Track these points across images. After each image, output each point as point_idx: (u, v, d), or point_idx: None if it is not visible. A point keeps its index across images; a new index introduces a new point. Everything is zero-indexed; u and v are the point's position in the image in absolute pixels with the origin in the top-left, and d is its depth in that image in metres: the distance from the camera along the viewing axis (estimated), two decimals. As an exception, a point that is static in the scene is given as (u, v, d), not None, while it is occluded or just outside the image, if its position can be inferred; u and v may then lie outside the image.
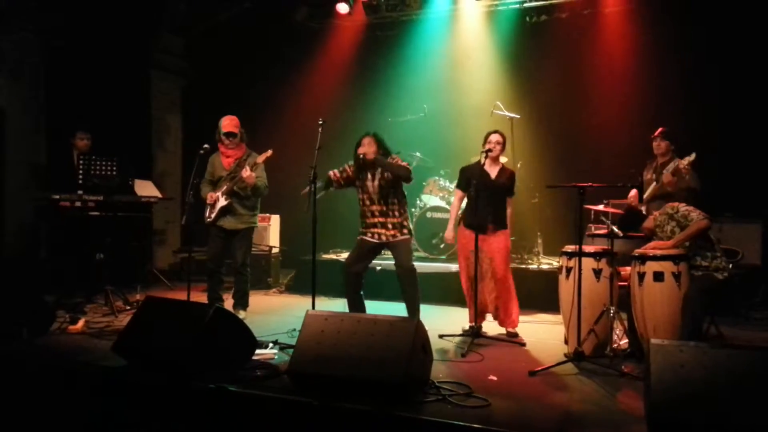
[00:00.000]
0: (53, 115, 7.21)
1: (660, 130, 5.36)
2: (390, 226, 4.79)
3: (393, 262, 4.90)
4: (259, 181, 5.20)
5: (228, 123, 5.26)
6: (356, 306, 4.84)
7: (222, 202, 5.18)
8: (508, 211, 4.98)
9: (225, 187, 5.19)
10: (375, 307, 4.96)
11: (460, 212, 5.24)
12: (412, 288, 4.82)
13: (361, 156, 4.72)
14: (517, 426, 2.92)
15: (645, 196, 5.34)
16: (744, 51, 6.55)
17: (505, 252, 4.85)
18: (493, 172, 4.95)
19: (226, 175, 5.26)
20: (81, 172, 6.13)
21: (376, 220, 4.81)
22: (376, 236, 4.81)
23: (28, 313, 4.64)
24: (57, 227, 6.04)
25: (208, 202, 5.23)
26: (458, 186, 5.14)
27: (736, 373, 2.77)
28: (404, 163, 4.78)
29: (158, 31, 8.58)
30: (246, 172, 5.06)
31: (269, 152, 5.14)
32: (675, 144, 5.27)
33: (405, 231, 4.83)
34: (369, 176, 4.81)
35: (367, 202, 4.84)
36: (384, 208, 4.80)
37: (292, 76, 8.62)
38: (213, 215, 5.21)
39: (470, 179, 4.89)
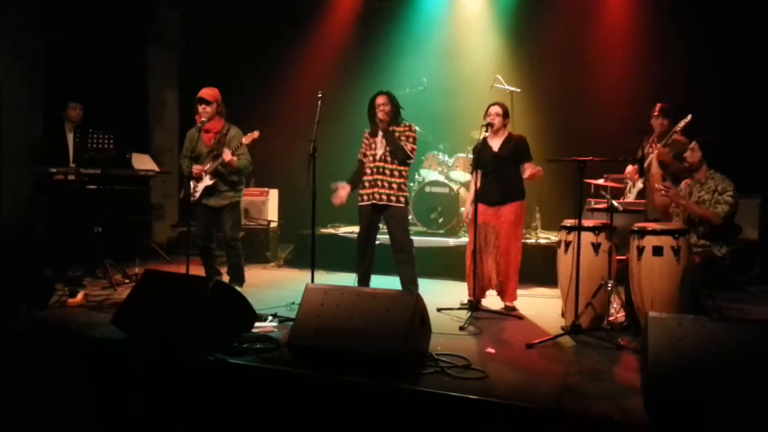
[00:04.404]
0: (49, 90, 7.14)
1: (659, 106, 5.33)
2: (385, 185, 4.79)
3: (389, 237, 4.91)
4: (241, 162, 5.08)
5: (204, 91, 5.11)
6: (364, 280, 4.88)
7: (207, 181, 5.10)
8: (528, 173, 4.79)
9: (209, 166, 5.09)
10: (374, 282, 4.98)
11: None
12: (406, 259, 4.84)
13: (379, 120, 4.78)
14: (514, 397, 2.95)
15: (645, 168, 5.33)
16: (747, 27, 6.47)
17: (511, 224, 4.81)
18: (495, 144, 4.92)
19: (207, 152, 5.15)
20: (74, 145, 6.11)
21: (376, 177, 4.81)
22: (368, 197, 4.81)
23: (26, 286, 4.64)
24: (54, 201, 6.01)
25: (194, 174, 5.10)
26: (474, 166, 5.04)
27: (733, 346, 2.79)
28: (411, 145, 4.81)
29: (156, 4, 8.45)
30: (228, 156, 4.96)
31: (256, 133, 5.01)
32: (674, 119, 5.26)
33: (402, 199, 4.84)
34: (381, 134, 4.85)
35: (371, 158, 4.86)
36: (383, 165, 4.81)
37: (291, 49, 8.52)
38: (198, 194, 5.13)
39: (477, 156, 4.86)
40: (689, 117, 4.77)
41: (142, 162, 6.64)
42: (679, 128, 4.88)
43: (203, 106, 5.07)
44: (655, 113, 5.34)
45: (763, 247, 5.99)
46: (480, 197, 4.83)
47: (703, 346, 2.81)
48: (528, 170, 4.79)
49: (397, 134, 4.81)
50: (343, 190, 4.90)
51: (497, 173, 4.84)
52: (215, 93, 5.15)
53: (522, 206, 4.89)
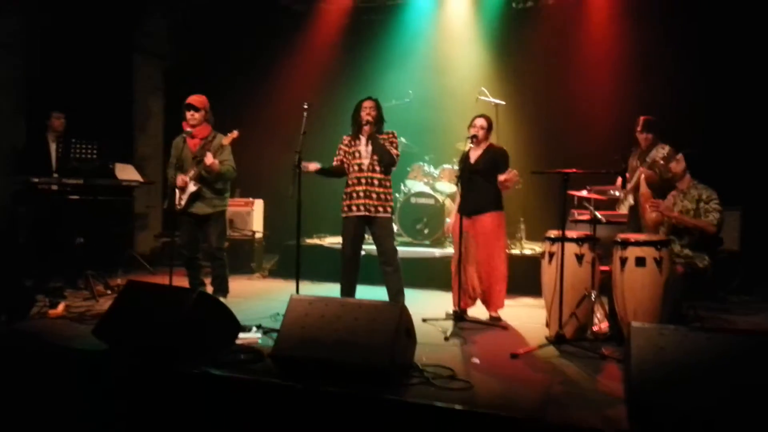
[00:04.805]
0: (31, 97, 7.07)
1: (642, 120, 5.41)
2: (374, 196, 4.76)
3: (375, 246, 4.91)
4: (224, 166, 5.03)
5: (193, 98, 5.09)
6: (349, 294, 4.85)
7: (191, 188, 5.03)
8: (499, 179, 4.74)
9: (192, 172, 5.04)
10: (360, 292, 4.97)
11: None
12: (394, 271, 4.83)
13: (365, 122, 4.76)
14: (498, 407, 2.95)
15: (630, 184, 5.40)
16: (729, 39, 6.60)
17: (488, 234, 4.82)
18: (474, 156, 4.96)
19: (192, 158, 5.09)
20: (57, 155, 6.06)
21: (361, 188, 4.77)
22: (357, 208, 4.78)
23: (6, 297, 4.57)
24: (36, 211, 5.95)
25: (178, 185, 5.06)
26: (458, 178, 5.06)
27: (714, 355, 2.81)
28: (395, 151, 4.80)
29: (141, 12, 8.43)
30: (209, 159, 4.89)
31: (235, 133, 4.94)
32: (657, 132, 5.33)
33: (388, 209, 4.82)
34: (364, 141, 4.82)
35: (355, 168, 4.82)
36: (372, 175, 4.78)
37: (277, 60, 8.53)
38: (183, 202, 5.07)
39: (460, 167, 4.91)
40: (667, 148, 4.86)
41: (126, 172, 6.60)
42: (659, 158, 4.96)
43: (191, 112, 5.06)
44: (638, 128, 5.41)
45: (744, 258, 6.07)
46: (459, 208, 4.86)
47: (684, 355, 2.84)
48: (499, 177, 4.76)
49: (381, 141, 4.82)
50: (312, 165, 4.77)
51: (472, 184, 4.84)
52: (204, 100, 5.15)
53: (499, 216, 4.89)
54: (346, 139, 4.96)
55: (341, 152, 4.94)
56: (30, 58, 7.06)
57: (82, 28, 7.28)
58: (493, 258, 4.83)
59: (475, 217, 4.84)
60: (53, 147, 6.15)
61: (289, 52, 8.55)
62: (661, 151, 5.01)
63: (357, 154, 4.84)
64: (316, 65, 8.49)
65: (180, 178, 5.05)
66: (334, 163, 4.95)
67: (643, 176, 5.15)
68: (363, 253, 5.05)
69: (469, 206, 4.84)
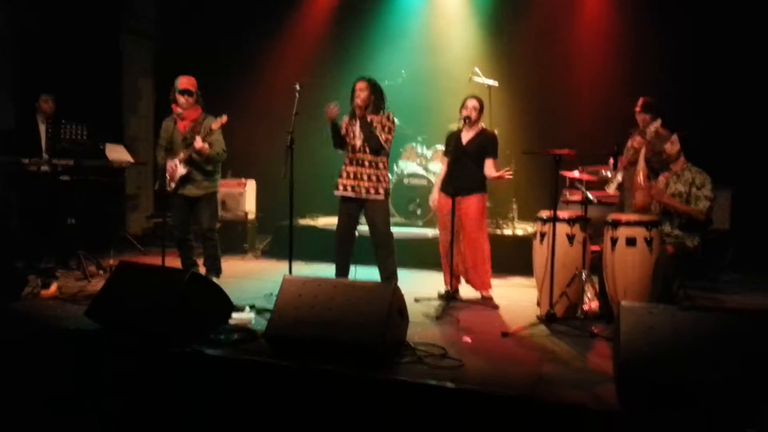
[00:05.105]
0: (20, 79, 6.98)
1: (641, 102, 5.39)
2: (365, 177, 4.75)
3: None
4: (214, 149, 4.99)
5: (185, 81, 5.05)
6: (343, 274, 4.85)
7: (181, 170, 5.00)
8: (486, 172, 4.85)
9: (182, 155, 5.01)
10: (356, 273, 4.97)
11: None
12: (387, 254, 4.82)
13: (355, 105, 4.74)
14: (489, 385, 2.99)
15: (621, 164, 5.40)
16: (720, 22, 6.58)
17: (474, 215, 4.83)
18: (466, 137, 4.94)
19: (182, 140, 5.06)
20: (47, 136, 6.01)
21: (351, 168, 4.78)
22: (343, 188, 4.79)
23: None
24: (27, 192, 5.91)
25: (168, 172, 5.04)
26: (444, 152, 5.12)
27: (703, 334, 2.86)
28: (385, 136, 4.75)
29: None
30: (198, 144, 4.86)
31: (224, 118, 4.90)
32: (656, 113, 5.32)
33: (380, 190, 4.78)
34: (358, 122, 4.80)
35: (349, 148, 4.82)
36: (362, 157, 4.77)
37: (269, 40, 8.43)
38: (173, 184, 5.05)
39: (449, 145, 4.90)
40: (659, 121, 4.86)
41: (116, 152, 6.55)
42: (650, 130, 4.96)
43: (186, 97, 5.04)
44: (637, 109, 5.40)
45: (734, 237, 6.12)
46: (444, 186, 4.88)
47: (673, 334, 2.88)
48: (491, 169, 4.81)
49: (374, 123, 4.77)
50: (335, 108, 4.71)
51: (461, 164, 4.82)
52: (194, 82, 5.11)
53: (483, 198, 4.90)
54: (345, 118, 4.94)
55: (342, 131, 4.92)
56: (18, 40, 6.96)
57: (70, 10, 7.17)
58: (478, 238, 4.85)
59: (461, 198, 4.84)
60: (43, 128, 6.09)
61: (280, 31, 8.45)
62: (653, 126, 5.00)
63: (352, 134, 4.83)
64: (307, 45, 8.41)
65: (169, 167, 5.04)
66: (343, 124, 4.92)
67: (642, 153, 5.14)
68: (357, 234, 5.05)
69: (456, 187, 4.83)
